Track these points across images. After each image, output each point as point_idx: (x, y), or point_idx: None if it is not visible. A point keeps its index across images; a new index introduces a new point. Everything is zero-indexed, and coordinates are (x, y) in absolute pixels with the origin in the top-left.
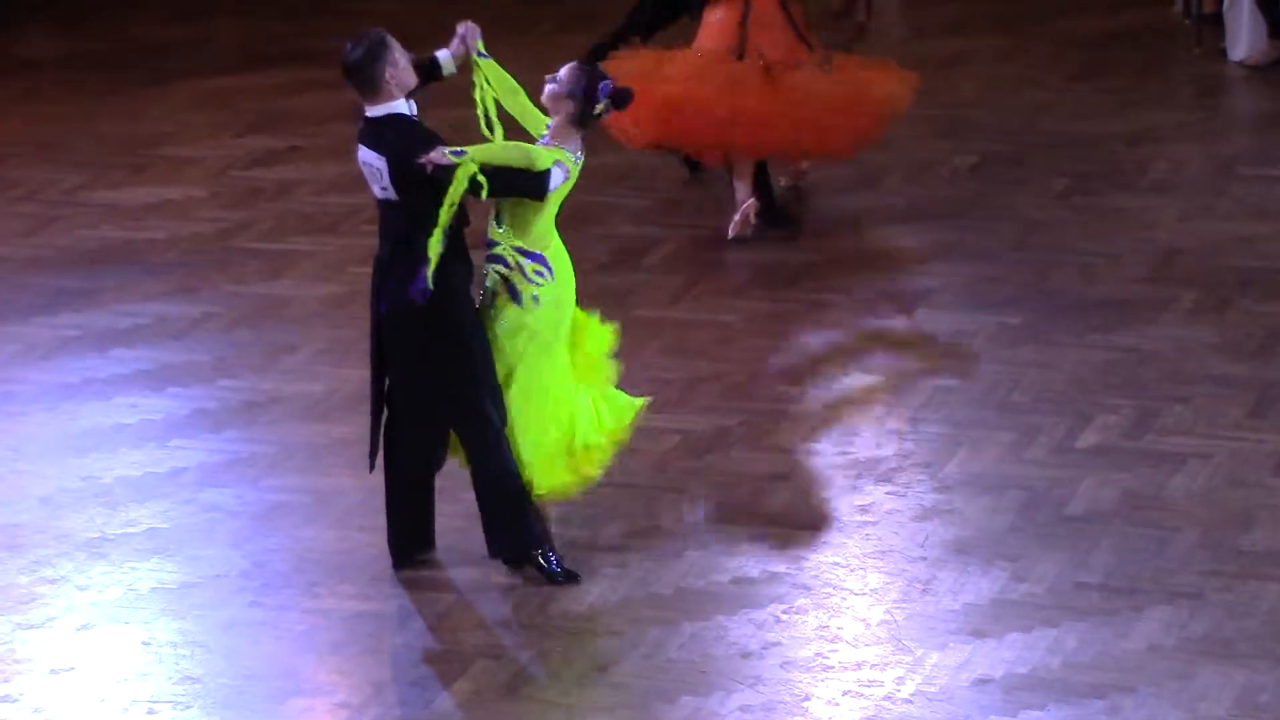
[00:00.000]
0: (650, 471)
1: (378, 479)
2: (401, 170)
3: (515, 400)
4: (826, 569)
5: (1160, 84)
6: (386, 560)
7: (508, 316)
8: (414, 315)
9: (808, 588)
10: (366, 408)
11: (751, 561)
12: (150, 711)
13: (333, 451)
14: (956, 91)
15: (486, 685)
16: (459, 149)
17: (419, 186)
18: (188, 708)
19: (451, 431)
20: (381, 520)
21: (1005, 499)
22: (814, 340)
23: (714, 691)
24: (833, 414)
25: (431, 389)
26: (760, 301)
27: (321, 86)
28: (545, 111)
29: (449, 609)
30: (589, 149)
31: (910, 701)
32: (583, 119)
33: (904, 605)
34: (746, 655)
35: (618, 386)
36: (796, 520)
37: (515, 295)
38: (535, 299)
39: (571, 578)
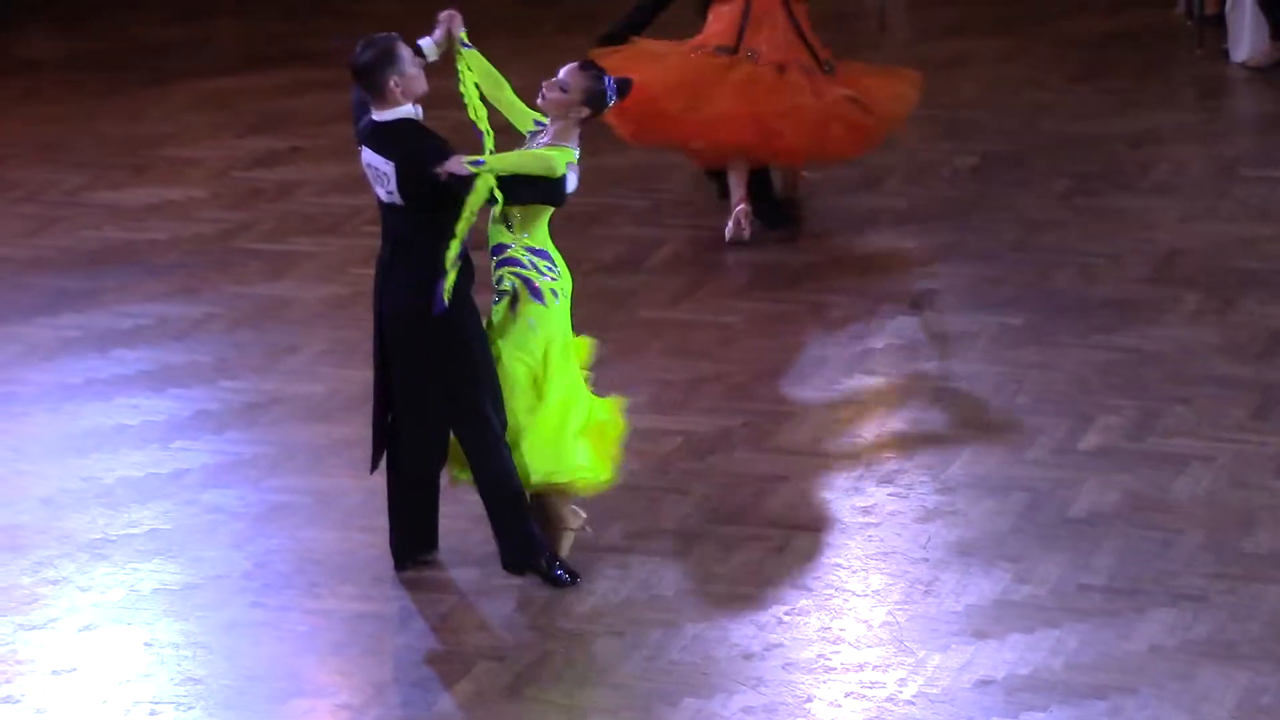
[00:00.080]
0: (652, 472)
1: (379, 480)
2: (410, 177)
3: (558, 390)
4: (828, 570)
5: (1162, 85)
6: (388, 561)
7: (532, 315)
8: (415, 316)
9: (810, 589)
10: (368, 409)
11: (753, 563)
12: (152, 713)
13: (334, 452)
14: (958, 92)
15: (488, 686)
16: (477, 158)
17: (427, 192)
18: (190, 709)
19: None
20: (383, 521)
21: (1007, 500)
22: (816, 341)
23: (716, 693)
24: (835, 415)
25: (431, 389)
26: (762, 302)
27: (323, 87)
28: (533, 109)
29: (451, 610)
30: (590, 150)
31: (912, 703)
32: (593, 119)
33: (906, 607)
34: (749, 657)
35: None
36: (798, 521)
37: (538, 294)
38: (555, 294)
39: (573, 580)
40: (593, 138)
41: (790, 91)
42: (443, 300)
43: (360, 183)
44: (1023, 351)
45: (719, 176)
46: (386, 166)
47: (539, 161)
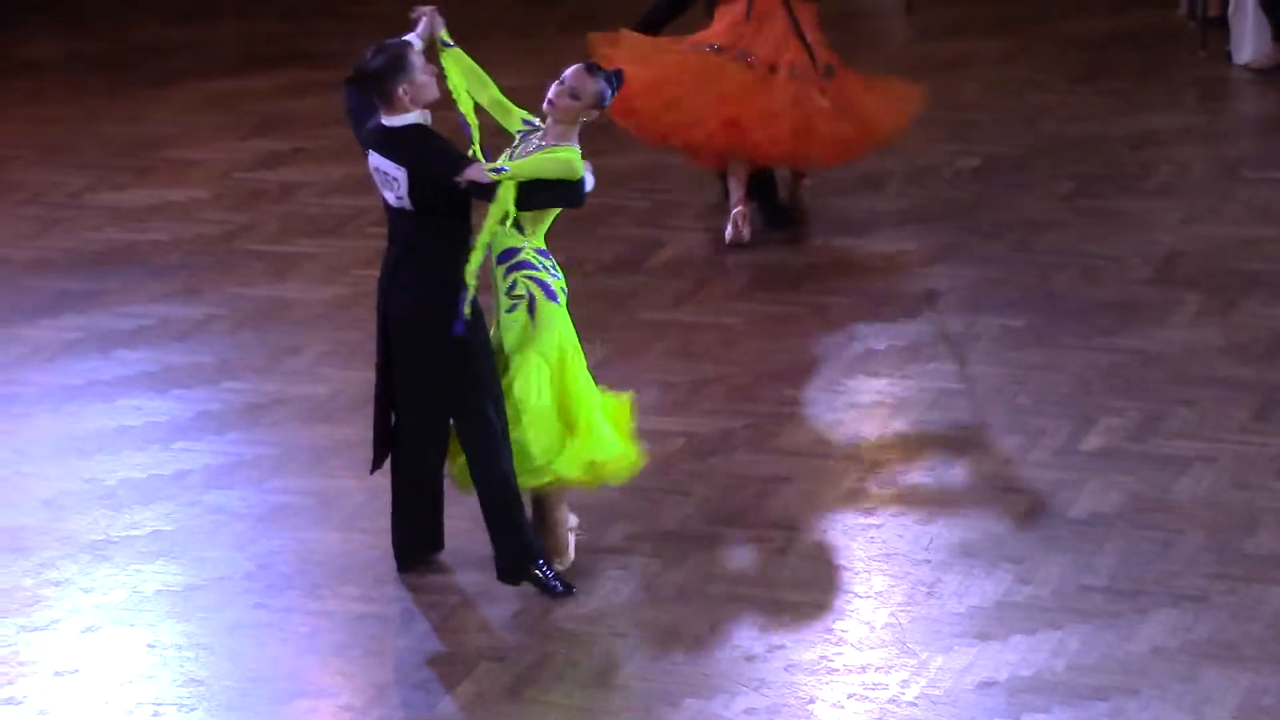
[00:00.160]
0: (654, 473)
1: (381, 481)
2: (422, 183)
3: (580, 381)
4: (831, 572)
5: (1164, 86)
6: (390, 562)
7: (547, 315)
8: (419, 318)
9: (812, 590)
10: (370, 410)
11: (755, 564)
12: (155, 714)
13: (336, 453)
14: (959, 94)
15: (490, 688)
16: (499, 165)
17: (438, 199)
18: (192, 710)
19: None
20: (385, 522)
21: (1010, 502)
22: (817, 342)
23: (718, 694)
24: (837, 416)
25: (433, 390)
26: (764, 304)
27: (324, 88)
28: (522, 108)
29: (452, 611)
30: (592, 151)
31: (915, 704)
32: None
33: (908, 608)
34: (750, 658)
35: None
36: (800, 523)
37: (551, 294)
38: (563, 291)
39: (568, 590)
40: (594, 138)
41: (770, 95)
42: (464, 316)
43: (363, 184)
44: (1024, 353)
45: (723, 178)
46: (397, 172)
47: (559, 164)
